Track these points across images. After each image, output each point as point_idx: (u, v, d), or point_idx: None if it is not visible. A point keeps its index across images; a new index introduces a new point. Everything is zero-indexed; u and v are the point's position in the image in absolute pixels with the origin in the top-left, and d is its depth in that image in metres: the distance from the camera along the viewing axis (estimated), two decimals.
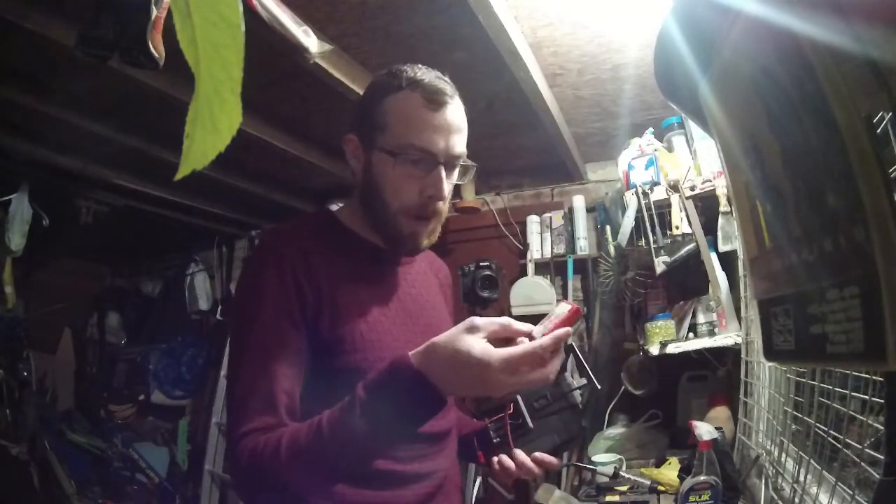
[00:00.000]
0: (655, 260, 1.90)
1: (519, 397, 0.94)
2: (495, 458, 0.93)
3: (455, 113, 0.89)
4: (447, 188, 0.89)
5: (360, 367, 0.84)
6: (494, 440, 0.93)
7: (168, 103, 1.67)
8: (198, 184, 2.56)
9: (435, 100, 0.86)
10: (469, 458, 1.03)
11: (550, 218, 2.69)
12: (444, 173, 0.88)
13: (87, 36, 1.11)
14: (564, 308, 0.80)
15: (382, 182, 0.89)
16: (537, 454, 0.91)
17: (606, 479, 1.74)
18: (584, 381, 0.96)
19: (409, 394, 0.70)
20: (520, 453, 0.90)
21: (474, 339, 0.69)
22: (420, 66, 0.91)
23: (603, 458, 1.91)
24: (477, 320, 0.71)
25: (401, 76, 0.88)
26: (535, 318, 2.59)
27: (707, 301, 1.92)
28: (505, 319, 0.74)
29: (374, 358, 0.85)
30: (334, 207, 1.02)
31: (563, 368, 0.96)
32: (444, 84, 0.89)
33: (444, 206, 0.91)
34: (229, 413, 0.82)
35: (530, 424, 0.92)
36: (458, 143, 0.89)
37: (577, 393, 0.95)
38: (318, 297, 0.84)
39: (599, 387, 1.05)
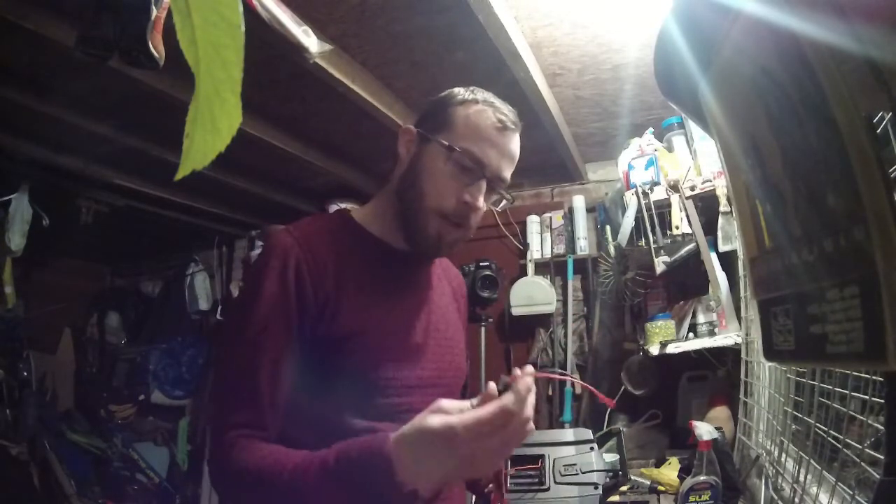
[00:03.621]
0: (655, 260, 1.90)
1: (549, 455, 0.97)
2: None
3: (514, 143, 0.94)
4: (483, 202, 0.91)
5: (362, 365, 0.85)
6: (509, 487, 0.96)
7: (168, 103, 1.67)
8: (198, 184, 2.56)
9: (504, 122, 0.91)
10: (477, 492, 1.04)
11: (550, 218, 2.69)
12: (484, 187, 0.91)
13: (87, 36, 1.11)
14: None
15: (427, 174, 0.91)
16: None
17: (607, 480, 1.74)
18: (617, 465, 0.99)
19: (372, 476, 0.67)
20: None
21: (436, 416, 0.66)
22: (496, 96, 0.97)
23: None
24: (443, 402, 0.68)
25: (477, 94, 0.94)
26: (535, 318, 2.57)
27: (707, 301, 1.92)
28: (468, 402, 0.71)
29: (376, 357, 0.86)
30: (345, 205, 1.02)
31: (596, 447, 0.99)
32: (514, 114, 0.94)
33: (474, 220, 0.93)
34: (214, 404, 0.83)
35: (548, 484, 0.95)
36: (507, 169, 0.93)
37: (603, 475, 0.98)
38: (323, 294, 0.84)
39: (630, 478, 1.08)
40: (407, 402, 0.87)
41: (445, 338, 0.98)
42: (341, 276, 0.86)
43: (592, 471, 0.97)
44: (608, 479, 0.99)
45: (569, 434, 1.04)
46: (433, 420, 0.66)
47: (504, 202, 0.97)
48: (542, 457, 0.99)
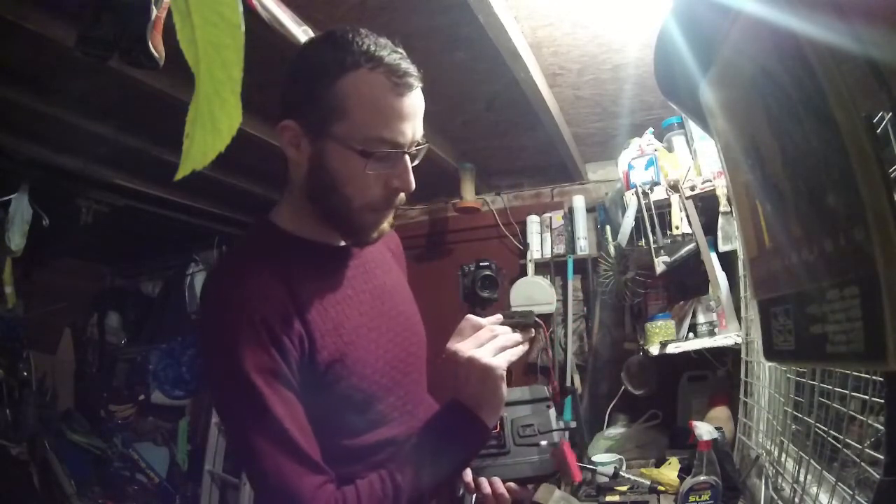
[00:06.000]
0: (655, 260, 1.90)
1: (506, 416, 0.99)
2: (469, 473, 0.95)
3: (420, 99, 0.81)
4: (412, 176, 0.81)
5: (349, 388, 0.82)
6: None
7: (168, 103, 1.67)
8: (198, 184, 2.56)
9: (403, 83, 0.77)
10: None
11: (550, 218, 2.69)
12: (409, 162, 0.80)
13: (87, 36, 1.11)
14: None
15: (342, 177, 0.79)
16: (511, 485, 0.94)
17: (606, 479, 1.74)
18: (573, 424, 1.00)
19: (458, 427, 0.82)
20: (497, 482, 0.93)
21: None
22: (369, 33, 0.79)
23: (603, 458, 1.91)
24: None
25: (354, 50, 0.76)
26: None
27: (707, 301, 1.92)
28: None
29: (360, 376, 0.83)
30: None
31: (553, 406, 1.01)
32: (408, 63, 0.79)
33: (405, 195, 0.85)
34: (267, 488, 0.75)
35: (508, 447, 0.96)
36: (420, 128, 0.82)
37: (560, 434, 0.98)
38: (296, 336, 0.77)
39: (587, 440, 1.11)
40: (397, 397, 0.88)
41: (405, 317, 0.96)
42: (299, 304, 0.79)
43: (550, 430, 0.97)
44: (564, 437, 1.00)
45: (525, 392, 1.04)
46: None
47: (420, 154, 0.85)
48: (500, 418, 0.99)
